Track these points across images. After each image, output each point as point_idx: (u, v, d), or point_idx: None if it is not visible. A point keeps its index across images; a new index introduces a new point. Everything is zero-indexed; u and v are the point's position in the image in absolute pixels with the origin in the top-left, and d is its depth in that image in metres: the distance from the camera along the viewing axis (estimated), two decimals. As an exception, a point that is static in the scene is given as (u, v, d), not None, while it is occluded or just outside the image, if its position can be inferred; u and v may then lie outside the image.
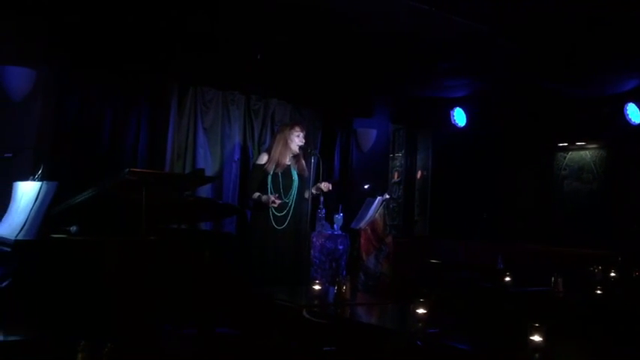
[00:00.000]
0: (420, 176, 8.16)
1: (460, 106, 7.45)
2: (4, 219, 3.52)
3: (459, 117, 7.48)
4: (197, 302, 3.90)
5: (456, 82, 6.93)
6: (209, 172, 5.83)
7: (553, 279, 4.23)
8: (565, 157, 7.41)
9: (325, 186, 5.14)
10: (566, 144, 7.39)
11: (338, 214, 5.77)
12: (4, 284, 2.92)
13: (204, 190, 5.80)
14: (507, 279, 4.58)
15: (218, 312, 4.03)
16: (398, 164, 8.07)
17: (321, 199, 5.46)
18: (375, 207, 5.92)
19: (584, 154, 7.24)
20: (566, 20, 4.73)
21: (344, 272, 5.51)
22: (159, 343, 3.49)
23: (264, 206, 4.94)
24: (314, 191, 5.17)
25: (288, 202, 5.02)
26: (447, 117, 7.48)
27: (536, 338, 2.54)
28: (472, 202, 7.74)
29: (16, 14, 4.85)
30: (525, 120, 7.27)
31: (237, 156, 6.20)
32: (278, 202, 4.88)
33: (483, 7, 4.59)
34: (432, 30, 5.14)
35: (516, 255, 6.21)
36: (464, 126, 7.46)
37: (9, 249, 3.06)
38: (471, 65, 6.25)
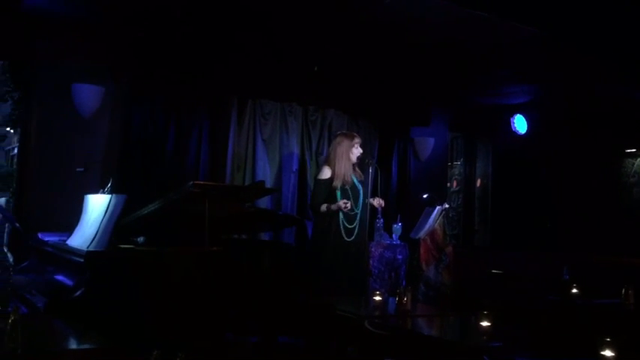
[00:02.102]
0: (480, 184, 8.02)
1: (521, 113, 7.28)
2: (76, 230, 3.68)
3: (520, 124, 7.32)
4: (259, 311, 3.96)
5: (515, 88, 6.79)
6: (268, 183, 5.91)
7: (623, 291, 4.06)
8: (634, 164, 7.13)
9: (377, 203, 5.10)
10: (634, 150, 7.11)
11: (396, 223, 5.73)
12: (77, 294, 3.04)
13: (264, 201, 5.87)
14: (574, 291, 4.43)
15: (280, 321, 4.07)
16: (456, 173, 7.96)
17: (379, 208, 5.43)
18: (435, 216, 5.85)
19: (655, 160, 6.96)
20: (630, 21, 4.57)
21: (403, 282, 5.46)
22: (222, 351, 3.56)
23: (334, 219, 4.92)
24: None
25: (357, 213, 5.01)
26: (507, 124, 7.33)
27: (608, 353, 2.45)
28: (535, 211, 7.53)
29: (83, 34, 5.08)
30: (590, 125, 7.04)
31: (295, 167, 6.25)
32: (349, 205, 4.86)
33: (543, 11, 4.49)
34: (490, 36, 5.07)
35: (583, 266, 5.97)
36: (525, 133, 7.29)
37: (81, 259, 3.19)
38: (531, 71, 6.11)
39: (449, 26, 4.90)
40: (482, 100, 7.31)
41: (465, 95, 7.16)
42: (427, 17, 4.73)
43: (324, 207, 4.92)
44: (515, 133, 7.36)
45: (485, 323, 2.90)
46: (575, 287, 4.44)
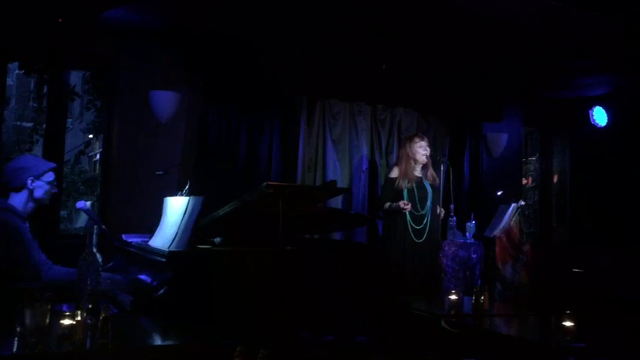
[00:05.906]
0: (557, 180, 7.73)
1: (600, 105, 6.98)
2: (157, 231, 3.82)
3: (599, 116, 7.01)
4: (333, 310, 3.99)
5: (594, 79, 6.51)
6: (339, 183, 5.93)
7: None
8: None
9: (438, 211, 5.09)
10: None
11: (470, 221, 5.62)
12: (160, 292, 3.16)
13: (335, 201, 5.91)
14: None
15: (354, 320, 4.09)
16: (532, 169, 7.72)
17: (452, 206, 5.37)
18: (510, 214, 5.69)
19: None
20: None
21: (479, 281, 5.36)
22: (299, 349, 3.60)
23: (400, 218, 4.97)
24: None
25: (425, 214, 5.03)
26: (586, 117, 7.04)
27: None
28: (617, 207, 7.18)
29: (159, 43, 5.28)
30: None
31: (365, 166, 6.25)
32: (409, 207, 4.90)
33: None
34: (565, 25, 4.89)
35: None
36: (605, 125, 6.97)
37: (163, 259, 3.32)
38: (611, 60, 5.84)
39: (521, 16, 4.76)
40: (559, 92, 7.05)
41: (540, 88, 6.92)
42: (498, 8, 4.61)
43: (387, 205, 5.03)
44: (594, 126, 7.06)
45: (568, 323, 2.79)
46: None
